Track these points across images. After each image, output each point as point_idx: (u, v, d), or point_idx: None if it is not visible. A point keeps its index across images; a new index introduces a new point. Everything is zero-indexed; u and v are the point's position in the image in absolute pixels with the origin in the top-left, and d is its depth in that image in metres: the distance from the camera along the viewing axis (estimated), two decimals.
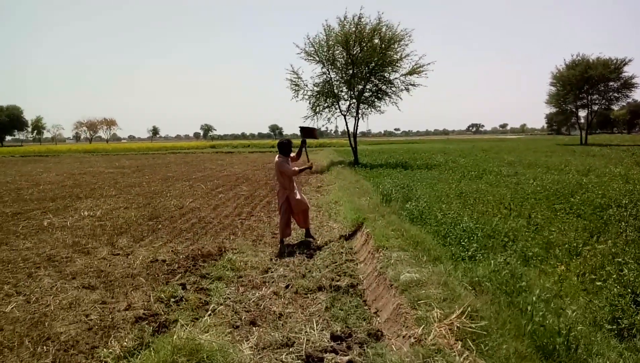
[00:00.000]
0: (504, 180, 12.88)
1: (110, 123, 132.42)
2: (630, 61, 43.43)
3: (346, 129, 24.02)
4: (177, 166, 26.75)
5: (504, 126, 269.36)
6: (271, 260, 6.13)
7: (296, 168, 7.05)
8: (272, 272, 5.56)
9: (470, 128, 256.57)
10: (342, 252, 6.26)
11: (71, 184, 16.69)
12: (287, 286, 4.98)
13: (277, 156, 7.18)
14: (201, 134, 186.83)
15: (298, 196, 7.20)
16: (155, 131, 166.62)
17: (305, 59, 22.62)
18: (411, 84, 21.74)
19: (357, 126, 23.62)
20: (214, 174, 19.89)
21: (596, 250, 5.21)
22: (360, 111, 23.20)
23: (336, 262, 5.81)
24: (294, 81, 22.87)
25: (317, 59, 22.47)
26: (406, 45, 21.56)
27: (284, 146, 7.12)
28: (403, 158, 25.27)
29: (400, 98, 22.29)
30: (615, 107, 57.32)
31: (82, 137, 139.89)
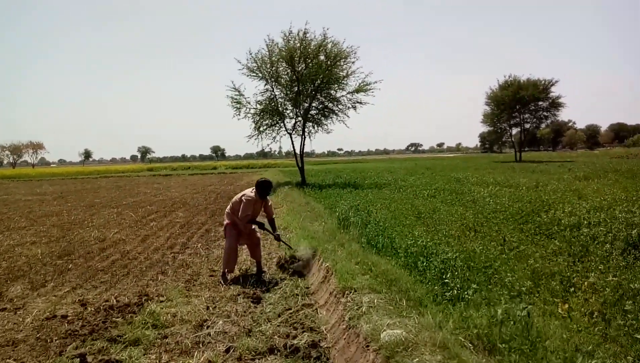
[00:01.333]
0: (459, 198, 12.36)
1: (36, 147, 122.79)
2: (556, 81, 46.37)
3: (292, 149, 23.05)
4: (107, 191, 24.43)
5: (440, 144, 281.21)
6: (207, 308, 4.86)
7: (254, 225, 6.23)
8: (208, 327, 4.30)
9: (410, 147, 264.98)
10: (296, 294, 5.13)
11: None
12: (227, 350, 3.76)
13: (252, 191, 6.18)
14: (138, 157, 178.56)
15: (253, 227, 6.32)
16: (87, 154, 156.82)
17: (248, 75, 21.54)
18: (358, 102, 21.24)
19: (304, 145, 22.72)
20: (148, 200, 18.07)
21: (594, 281, 4.46)
22: (306, 130, 22.34)
23: (291, 309, 4.67)
24: (236, 98, 21.68)
25: (260, 75, 21.47)
26: (352, 62, 21.15)
27: (265, 186, 6.15)
28: (350, 178, 24.61)
29: (348, 116, 21.72)
30: (543, 125, 60.66)
31: (4, 162, 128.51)
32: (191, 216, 12.53)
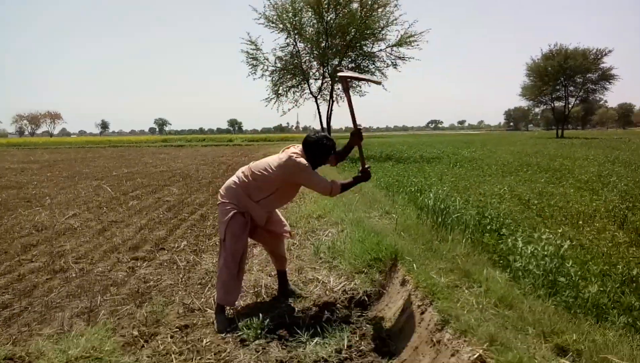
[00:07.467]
0: (558, 176, 8.87)
1: (54, 116, 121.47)
2: (610, 51, 41.32)
3: (318, 116, 19.57)
4: (106, 160, 21.44)
5: (462, 122, 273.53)
6: None
7: (340, 181, 3.12)
8: None
9: (430, 124, 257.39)
10: None
11: None
12: None
13: (293, 152, 3.10)
14: (156, 130, 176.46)
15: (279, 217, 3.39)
16: (104, 124, 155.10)
17: (265, 26, 17.97)
18: (399, 58, 17.51)
19: (332, 110, 19.20)
20: (145, 171, 14.94)
21: None
22: (334, 93, 18.79)
23: None
24: (251, 54, 18.18)
25: (281, 26, 17.87)
26: (392, 12, 17.33)
27: (325, 149, 3.13)
28: (384, 151, 21.12)
29: (385, 76, 18.04)
30: (598, 98, 53.86)
31: (25, 133, 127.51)
32: (187, 193, 9.30)
